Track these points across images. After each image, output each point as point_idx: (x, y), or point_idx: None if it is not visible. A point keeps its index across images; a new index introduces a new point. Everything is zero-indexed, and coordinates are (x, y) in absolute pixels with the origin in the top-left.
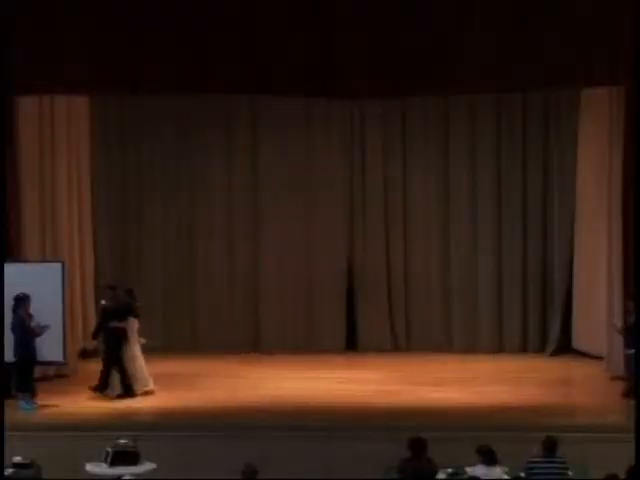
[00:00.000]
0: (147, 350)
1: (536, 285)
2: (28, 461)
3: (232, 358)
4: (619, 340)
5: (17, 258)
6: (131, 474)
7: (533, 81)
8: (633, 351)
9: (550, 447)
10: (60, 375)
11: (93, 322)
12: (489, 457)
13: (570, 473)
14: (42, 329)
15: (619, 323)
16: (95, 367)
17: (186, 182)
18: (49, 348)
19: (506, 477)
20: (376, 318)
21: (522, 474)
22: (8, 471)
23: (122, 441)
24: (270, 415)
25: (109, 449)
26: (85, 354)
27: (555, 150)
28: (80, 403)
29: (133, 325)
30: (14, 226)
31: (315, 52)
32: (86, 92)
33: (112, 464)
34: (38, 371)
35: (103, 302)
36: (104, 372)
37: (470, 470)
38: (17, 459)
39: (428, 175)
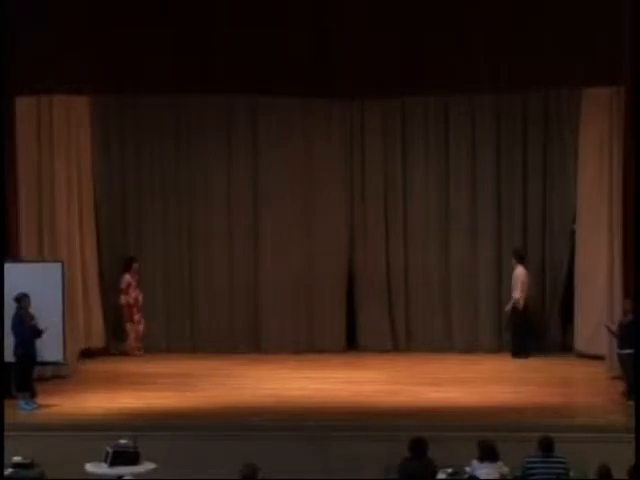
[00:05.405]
0: (149, 350)
1: (536, 285)
2: (28, 461)
3: (232, 358)
4: (615, 339)
5: (17, 258)
6: (131, 474)
7: (533, 81)
8: (629, 351)
9: (547, 447)
10: (58, 376)
11: (98, 322)
12: (484, 453)
13: (571, 473)
14: (39, 333)
15: (612, 324)
16: (99, 367)
17: (186, 182)
18: (49, 348)
19: (507, 475)
20: (376, 318)
21: (519, 474)
22: (8, 471)
23: (122, 441)
24: (270, 415)
25: (109, 449)
26: (90, 354)
27: (555, 150)
28: (80, 403)
29: None
30: (13, 226)
31: (315, 52)
32: (86, 92)
33: (112, 464)
34: (35, 372)
35: None
36: None
37: (469, 469)
38: (17, 459)
39: (428, 175)
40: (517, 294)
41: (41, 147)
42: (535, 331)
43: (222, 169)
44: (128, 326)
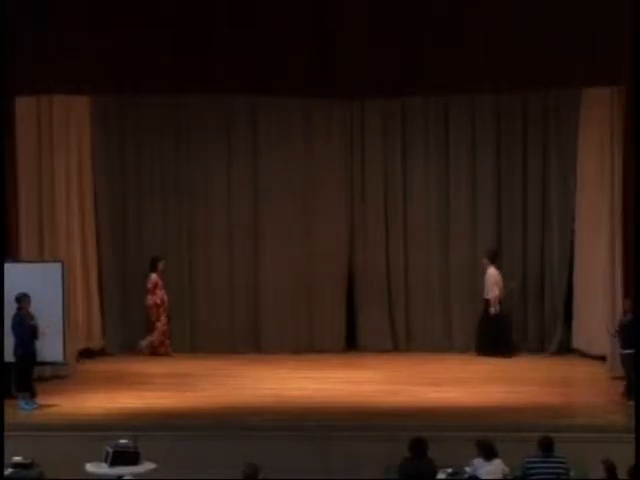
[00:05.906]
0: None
1: (536, 285)
2: (28, 461)
3: (232, 358)
4: (617, 340)
5: (17, 258)
6: (131, 474)
7: (533, 81)
8: (630, 351)
9: (547, 447)
10: (58, 376)
11: (98, 322)
12: (486, 451)
13: (571, 473)
14: (35, 333)
15: (610, 325)
16: (99, 367)
17: (186, 182)
18: (49, 348)
19: (507, 475)
20: (376, 318)
21: (519, 473)
22: (8, 471)
23: (122, 441)
24: (270, 415)
25: (109, 449)
26: (90, 354)
27: (555, 150)
28: (80, 403)
29: None
30: (13, 226)
31: (315, 52)
32: (86, 92)
33: (112, 464)
34: (35, 372)
35: None
36: None
37: (469, 470)
38: (17, 459)
39: (428, 175)
40: (492, 294)
41: (41, 147)
42: (513, 330)
43: (222, 169)
44: (158, 325)
